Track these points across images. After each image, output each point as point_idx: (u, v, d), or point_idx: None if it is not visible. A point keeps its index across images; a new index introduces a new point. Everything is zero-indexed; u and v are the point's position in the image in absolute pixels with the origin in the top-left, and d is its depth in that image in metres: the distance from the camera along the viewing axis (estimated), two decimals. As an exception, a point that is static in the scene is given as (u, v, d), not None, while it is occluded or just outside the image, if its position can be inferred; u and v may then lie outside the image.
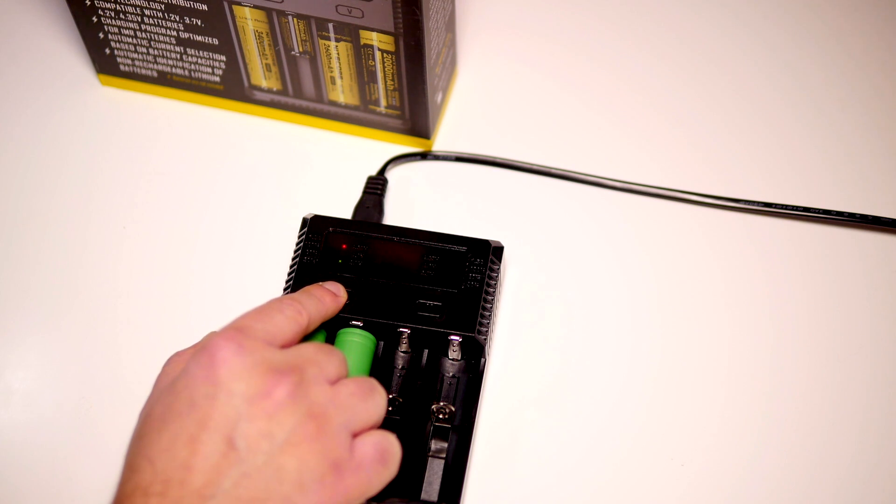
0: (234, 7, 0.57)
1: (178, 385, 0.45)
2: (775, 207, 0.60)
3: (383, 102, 0.60)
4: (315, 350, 0.47)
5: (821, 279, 0.58)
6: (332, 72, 0.59)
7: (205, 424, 0.43)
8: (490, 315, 0.54)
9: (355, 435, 0.46)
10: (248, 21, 0.58)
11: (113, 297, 0.58)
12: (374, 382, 0.48)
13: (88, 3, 0.60)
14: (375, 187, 0.60)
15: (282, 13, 0.57)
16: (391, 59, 0.58)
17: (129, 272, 0.59)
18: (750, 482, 0.53)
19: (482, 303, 0.54)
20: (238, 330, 0.46)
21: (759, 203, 0.60)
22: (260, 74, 0.61)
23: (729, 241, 0.60)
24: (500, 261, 0.56)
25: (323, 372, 0.46)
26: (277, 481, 0.43)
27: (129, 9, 0.59)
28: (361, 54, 0.58)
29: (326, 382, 0.46)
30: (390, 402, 0.53)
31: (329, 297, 0.52)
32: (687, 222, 0.60)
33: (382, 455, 0.46)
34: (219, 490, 0.43)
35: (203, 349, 0.45)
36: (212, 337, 0.45)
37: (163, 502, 0.42)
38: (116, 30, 0.61)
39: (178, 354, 0.49)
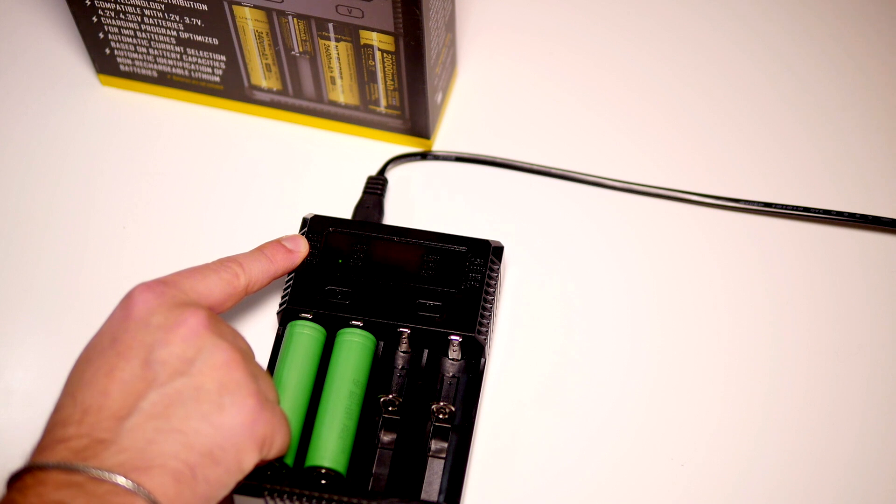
0: (234, 7, 0.57)
1: (101, 329, 0.47)
2: (775, 207, 0.60)
3: (383, 102, 0.60)
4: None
5: (821, 279, 0.58)
6: (332, 72, 0.59)
7: (122, 354, 0.45)
8: (490, 315, 0.54)
9: None
10: (248, 21, 0.58)
11: (113, 297, 0.58)
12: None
13: (88, 3, 0.60)
14: (375, 187, 0.60)
15: (282, 13, 0.57)
16: (391, 59, 0.58)
17: (129, 272, 0.59)
18: (750, 482, 0.53)
19: (482, 303, 0.54)
20: (162, 282, 0.48)
21: (759, 203, 0.60)
22: (260, 74, 0.61)
23: (729, 241, 0.60)
24: (500, 261, 0.56)
25: (231, 329, 0.48)
26: (195, 401, 0.44)
27: (129, 9, 0.59)
28: (361, 54, 0.58)
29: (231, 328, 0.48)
30: (390, 402, 0.53)
31: (281, 253, 0.53)
32: (687, 222, 0.60)
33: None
34: (135, 410, 0.44)
35: (126, 296, 0.47)
36: (136, 286, 0.48)
37: (80, 429, 0.43)
38: (116, 30, 0.61)
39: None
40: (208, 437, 0.44)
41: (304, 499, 0.50)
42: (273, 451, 0.47)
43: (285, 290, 0.55)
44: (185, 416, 0.44)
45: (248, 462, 0.46)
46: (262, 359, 0.55)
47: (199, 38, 0.60)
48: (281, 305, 0.55)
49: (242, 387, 0.46)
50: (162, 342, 0.45)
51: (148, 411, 0.44)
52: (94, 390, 0.44)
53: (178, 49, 0.61)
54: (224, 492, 0.45)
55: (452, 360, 0.55)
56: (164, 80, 0.63)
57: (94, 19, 0.61)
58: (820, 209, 0.60)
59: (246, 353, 0.48)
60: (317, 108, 0.62)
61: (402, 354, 0.55)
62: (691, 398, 0.55)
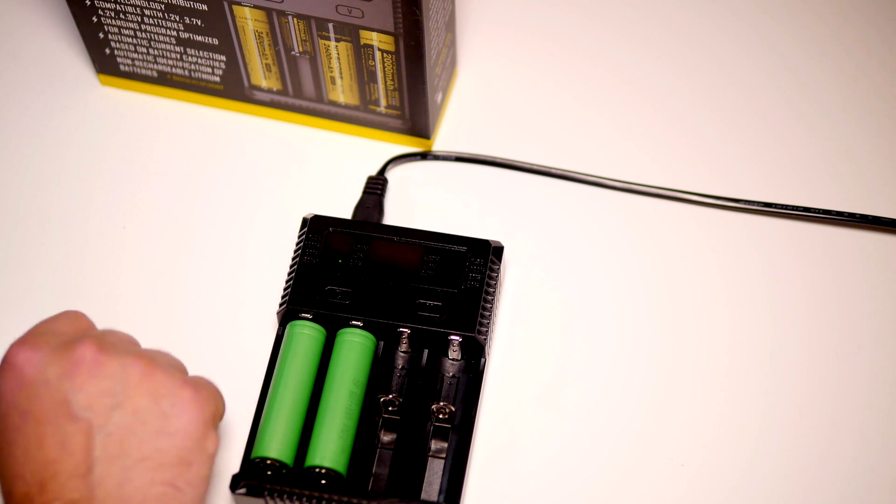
0: (234, 7, 0.57)
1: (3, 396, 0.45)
2: (775, 207, 0.60)
3: (383, 102, 0.60)
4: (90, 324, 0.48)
5: (821, 279, 0.58)
6: (332, 72, 0.59)
7: (43, 420, 0.44)
8: (490, 315, 0.54)
9: None
10: (248, 21, 0.58)
11: (113, 296, 0.58)
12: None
13: (88, 3, 0.60)
14: (375, 187, 0.60)
15: (282, 13, 0.57)
16: (391, 59, 0.58)
17: (129, 272, 0.59)
18: (750, 482, 0.53)
19: (482, 303, 0.54)
20: (33, 333, 0.47)
21: (759, 203, 0.60)
22: (260, 74, 0.61)
23: (729, 241, 0.60)
24: (500, 261, 0.56)
25: (109, 332, 0.48)
26: (141, 423, 0.44)
27: (129, 9, 0.59)
28: (361, 54, 0.58)
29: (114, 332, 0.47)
30: (390, 402, 0.53)
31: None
32: (687, 222, 0.60)
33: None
34: (93, 462, 0.43)
35: (4, 363, 0.45)
36: (7, 351, 0.46)
37: (46, 497, 0.43)
38: (116, 30, 0.61)
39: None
40: (171, 448, 0.44)
41: (304, 499, 0.50)
42: (220, 416, 0.47)
43: (285, 290, 0.55)
44: (140, 442, 0.44)
45: (212, 444, 0.46)
46: (263, 359, 0.56)
47: (199, 38, 0.60)
48: (281, 305, 0.55)
49: (168, 383, 0.45)
50: (73, 389, 0.44)
51: (105, 457, 0.43)
52: (39, 464, 0.43)
53: (178, 49, 0.61)
54: (207, 483, 0.46)
55: (452, 360, 0.55)
56: (164, 80, 0.63)
57: (94, 19, 0.61)
58: (820, 209, 0.60)
59: (141, 349, 0.47)
60: (317, 108, 0.62)
61: (402, 354, 0.55)
62: (691, 398, 0.55)
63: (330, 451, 0.51)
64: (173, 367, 0.47)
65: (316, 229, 0.56)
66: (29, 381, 0.44)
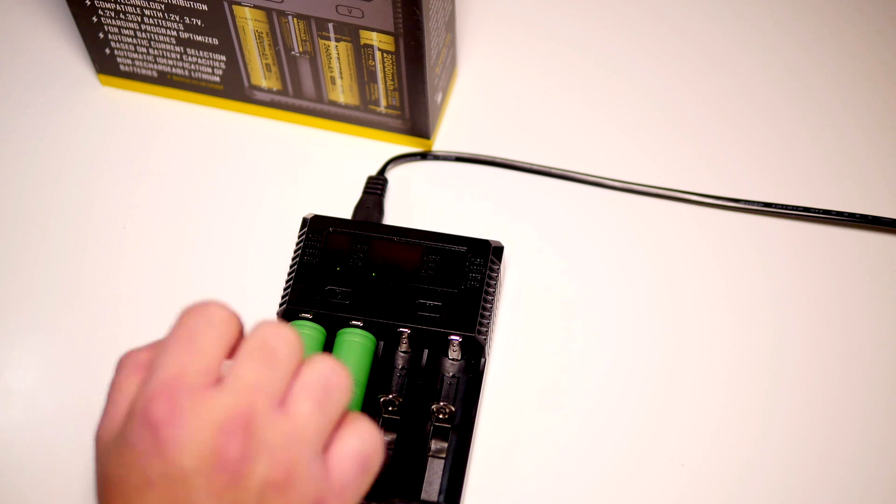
0: (234, 7, 0.57)
1: (124, 454, 0.41)
2: (775, 207, 0.60)
3: (383, 102, 0.60)
4: (254, 367, 0.42)
5: (821, 279, 0.58)
6: (332, 72, 0.59)
7: None
8: (490, 315, 0.54)
9: (330, 443, 0.42)
10: (248, 21, 0.58)
11: (113, 297, 0.58)
12: (327, 373, 0.42)
13: (88, 3, 0.60)
14: (375, 187, 0.60)
15: (282, 13, 0.57)
16: (391, 59, 0.58)
17: (129, 272, 0.59)
18: (750, 482, 0.53)
19: (482, 303, 0.54)
20: (169, 386, 0.41)
21: (759, 203, 0.60)
22: (260, 74, 0.61)
23: (729, 241, 0.60)
24: (500, 261, 0.56)
25: (271, 396, 0.41)
26: None
27: (129, 9, 0.59)
28: (361, 54, 0.58)
29: (277, 409, 0.41)
30: (390, 402, 0.53)
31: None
32: (687, 222, 0.60)
33: (364, 463, 0.43)
34: None
35: (139, 417, 0.40)
36: (144, 397, 0.41)
37: None
38: (116, 30, 0.61)
39: (129, 358, 0.44)
40: None
41: (304, 499, 0.50)
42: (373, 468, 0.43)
43: (285, 290, 0.55)
44: None
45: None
46: (262, 359, 0.56)
47: (199, 38, 0.60)
48: (281, 305, 0.55)
49: None
50: (206, 492, 0.40)
51: None
52: None
53: (178, 49, 0.61)
54: None
55: (452, 360, 0.55)
56: (164, 80, 0.63)
57: (94, 19, 0.61)
58: (820, 209, 0.60)
59: (291, 455, 0.41)
60: (317, 108, 0.62)
61: (402, 354, 0.55)
62: (691, 398, 0.55)
63: (330, 451, 0.51)
64: (314, 464, 0.41)
65: (316, 229, 0.56)
66: (163, 456, 0.40)
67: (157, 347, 0.43)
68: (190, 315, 0.43)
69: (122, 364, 0.44)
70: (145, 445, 0.40)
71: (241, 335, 0.44)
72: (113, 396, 0.43)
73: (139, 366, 0.43)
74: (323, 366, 0.42)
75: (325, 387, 0.42)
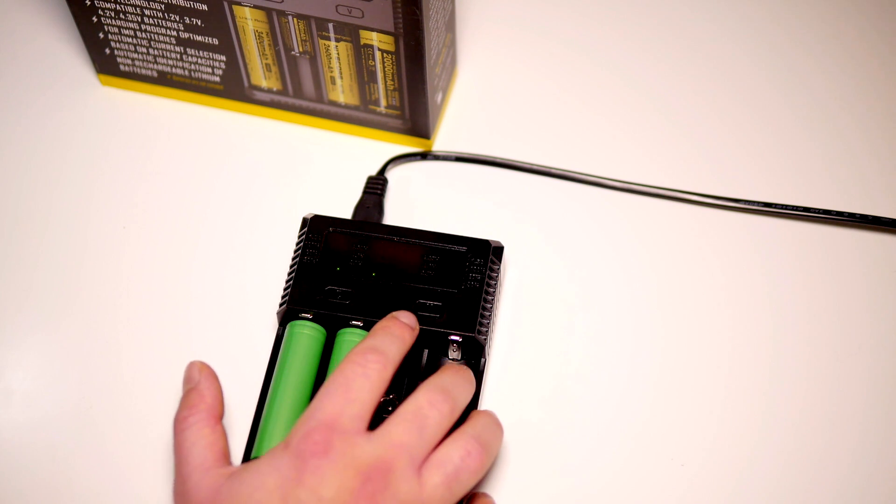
0: (234, 7, 0.57)
1: (266, 482, 0.45)
2: (775, 207, 0.60)
3: (383, 102, 0.60)
4: (405, 429, 0.47)
5: (821, 279, 0.58)
6: (332, 72, 0.59)
7: None
8: (490, 315, 0.54)
9: None
10: (248, 21, 0.58)
11: (113, 297, 0.58)
12: (462, 453, 0.48)
13: (88, 3, 0.60)
14: (375, 187, 0.60)
15: (282, 13, 0.57)
16: (391, 59, 0.58)
17: (129, 272, 0.59)
18: (750, 482, 0.53)
19: (482, 303, 0.54)
20: (329, 428, 0.46)
21: (759, 203, 0.60)
22: (260, 74, 0.61)
23: (729, 241, 0.60)
24: (500, 261, 0.56)
25: (412, 458, 0.47)
26: None
27: (129, 9, 0.59)
28: (361, 54, 0.58)
29: (414, 471, 0.46)
30: (389, 403, 0.53)
31: (408, 332, 0.51)
32: (687, 222, 0.60)
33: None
34: None
35: (293, 448, 0.46)
36: (302, 432, 0.46)
37: None
38: (116, 30, 0.61)
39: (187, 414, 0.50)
40: None
41: (304, 499, 0.50)
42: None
43: (285, 290, 0.55)
44: None
45: None
46: (263, 359, 0.56)
47: (199, 38, 0.60)
48: (281, 305, 0.55)
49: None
50: None
51: None
52: None
53: (178, 49, 0.61)
54: None
55: (452, 360, 0.55)
56: (164, 80, 0.63)
57: (94, 19, 0.61)
58: (820, 209, 0.60)
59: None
60: (317, 108, 0.62)
61: (402, 354, 0.55)
62: (691, 397, 0.55)
63: (330, 451, 0.51)
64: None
65: (316, 229, 0.56)
66: (305, 484, 0.45)
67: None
68: (346, 363, 0.48)
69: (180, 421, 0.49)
70: (291, 473, 0.45)
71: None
72: (185, 451, 0.48)
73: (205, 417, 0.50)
74: (464, 443, 0.48)
75: (456, 468, 0.47)
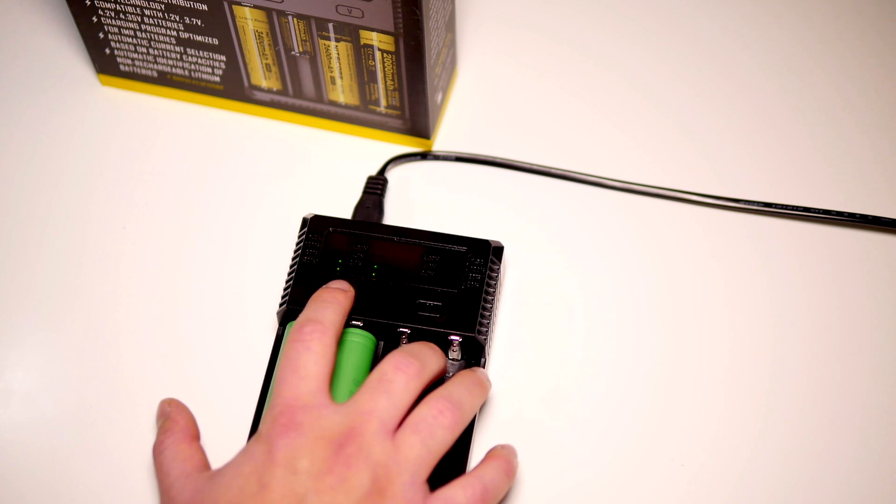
0: (234, 7, 0.57)
1: (240, 473, 0.47)
2: (775, 207, 0.60)
3: (383, 102, 0.60)
4: (370, 396, 0.48)
5: (821, 279, 0.58)
6: (332, 72, 0.59)
7: (274, 502, 0.46)
8: (490, 315, 0.54)
9: (447, 486, 0.48)
10: (248, 21, 0.58)
11: (113, 297, 0.58)
12: (434, 413, 0.49)
13: (88, 3, 0.60)
14: (375, 187, 0.60)
15: (282, 13, 0.57)
16: (391, 59, 0.58)
17: (129, 272, 0.59)
18: (750, 482, 0.53)
19: (482, 303, 0.54)
20: (291, 408, 0.47)
21: (759, 203, 0.60)
22: (260, 74, 0.61)
23: (729, 241, 0.60)
24: (500, 261, 0.56)
25: (383, 422, 0.48)
26: None
27: (129, 9, 0.59)
28: (361, 54, 0.58)
29: (388, 435, 0.47)
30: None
31: (340, 294, 0.52)
32: (687, 222, 0.60)
33: (483, 498, 0.49)
34: None
35: (262, 436, 0.47)
36: (268, 419, 0.47)
37: None
38: (116, 30, 0.61)
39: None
40: None
41: (304, 499, 0.50)
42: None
43: (285, 290, 0.55)
44: None
45: None
46: (262, 359, 0.56)
47: (199, 38, 0.60)
48: (281, 305, 0.55)
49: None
50: (313, 491, 0.46)
51: None
52: None
53: (178, 49, 0.61)
54: None
55: (452, 360, 0.55)
56: (164, 80, 0.63)
57: (94, 19, 0.61)
58: (820, 209, 0.60)
59: (391, 478, 0.47)
60: (317, 108, 0.62)
61: (402, 354, 0.55)
62: (691, 397, 0.55)
63: (330, 451, 0.51)
64: (411, 492, 0.47)
65: (316, 229, 0.56)
66: (278, 461, 0.46)
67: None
68: (287, 344, 0.50)
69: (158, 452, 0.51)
70: (264, 456, 0.46)
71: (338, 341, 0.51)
72: (165, 467, 0.50)
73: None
74: (435, 402, 0.49)
75: (430, 427, 0.48)
